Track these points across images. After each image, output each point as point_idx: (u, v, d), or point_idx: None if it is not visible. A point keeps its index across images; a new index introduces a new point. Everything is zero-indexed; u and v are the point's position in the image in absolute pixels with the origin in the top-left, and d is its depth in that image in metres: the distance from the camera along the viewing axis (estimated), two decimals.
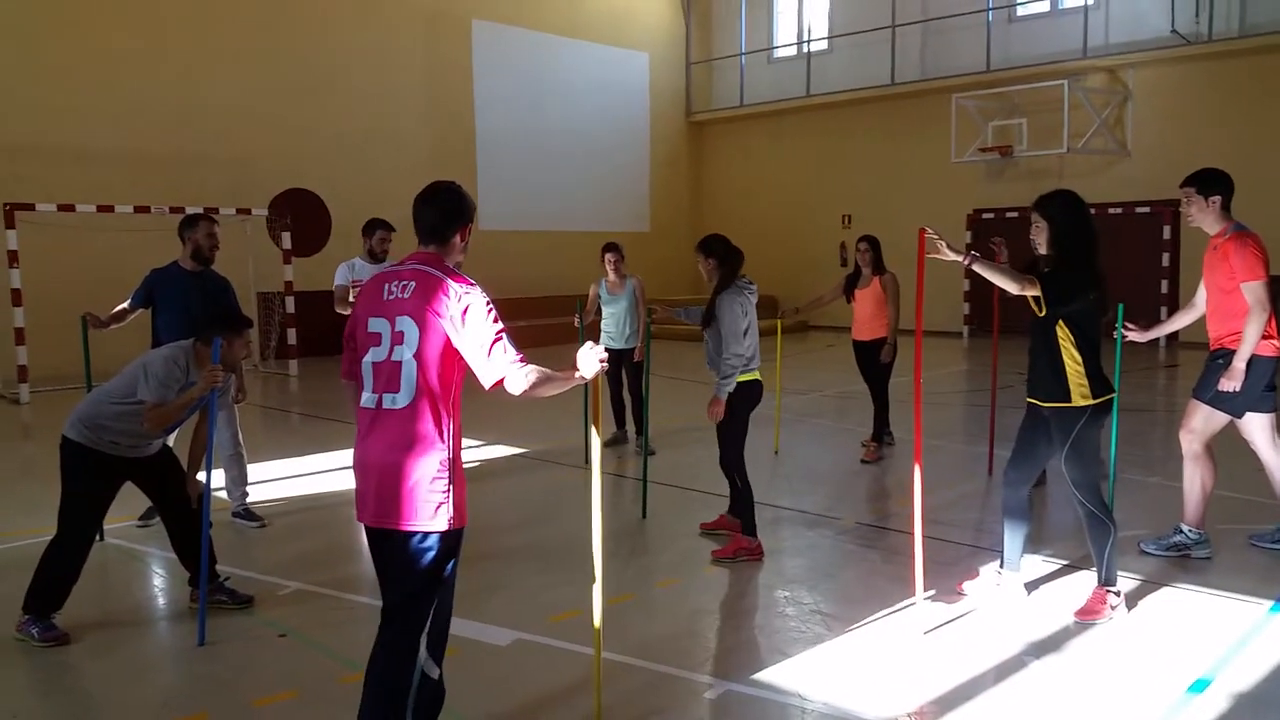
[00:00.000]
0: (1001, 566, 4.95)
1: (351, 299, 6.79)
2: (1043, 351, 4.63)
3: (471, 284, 3.14)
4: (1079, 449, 4.58)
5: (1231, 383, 5.21)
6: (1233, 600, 4.85)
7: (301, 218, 14.82)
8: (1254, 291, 5.14)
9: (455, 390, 3.17)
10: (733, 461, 5.67)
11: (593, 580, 3.57)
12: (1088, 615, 4.60)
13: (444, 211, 3.25)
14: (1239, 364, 5.18)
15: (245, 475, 6.48)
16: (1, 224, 11.85)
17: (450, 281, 3.11)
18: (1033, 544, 5.40)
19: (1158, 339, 6.47)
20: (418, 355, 3.08)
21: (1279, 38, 15.26)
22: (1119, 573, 4.75)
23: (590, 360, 3.17)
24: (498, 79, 19.52)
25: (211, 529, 4.78)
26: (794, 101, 21.50)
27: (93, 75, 14.34)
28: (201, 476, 4.76)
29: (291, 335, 14.76)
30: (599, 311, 8.59)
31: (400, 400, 3.09)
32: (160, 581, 5.52)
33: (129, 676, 4.26)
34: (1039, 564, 5.40)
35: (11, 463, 9.06)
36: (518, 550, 5.89)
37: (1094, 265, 4.55)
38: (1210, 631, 4.48)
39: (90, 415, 4.59)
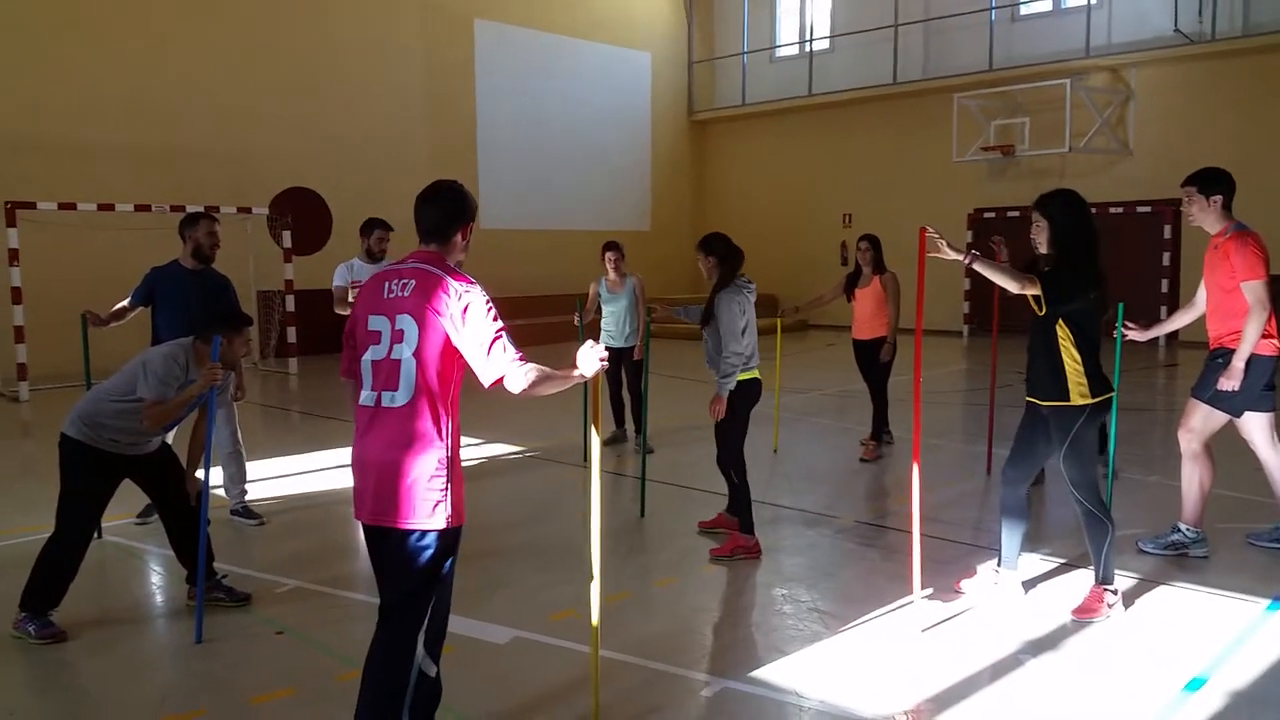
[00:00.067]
0: (999, 565, 4.95)
1: (350, 299, 6.79)
2: (1042, 350, 4.63)
3: (472, 282, 3.14)
4: (1077, 448, 4.58)
5: (1231, 382, 5.21)
6: (1230, 599, 4.85)
7: (302, 216, 14.82)
8: (1254, 291, 5.14)
9: (454, 389, 3.18)
10: (732, 460, 5.67)
11: (591, 578, 3.57)
12: (1085, 614, 4.60)
13: (446, 210, 3.25)
14: (1238, 363, 5.18)
15: (244, 473, 6.49)
16: (2, 222, 11.86)
17: (450, 280, 3.11)
18: (1031, 542, 5.40)
19: (1157, 338, 6.46)
20: (417, 353, 3.08)
21: None
22: (1117, 571, 4.76)
23: (590, 359, 3.17)
24: (499, 78, 19.52)
25: (210, 526, 4.78)
26: (796, 101, 21.50)
27: (93, 73, 14.34)
28: (200, 474, 4.77)
29: (291, 333, 14.77)
30: (599, 310, 8.60)
31: (399, 398, 3.09)
32: (158, 579, 5.52)
33: (126, 674, 4.26)
34: (1037, 562, 5.40)
35: (10, 460, 9.06)
36: (516, 548, 5.89)
37: (1094, 265, 4.55)
38: (1207, 630, 4.48)
39: (89, 413, 4.59)
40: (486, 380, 3.09)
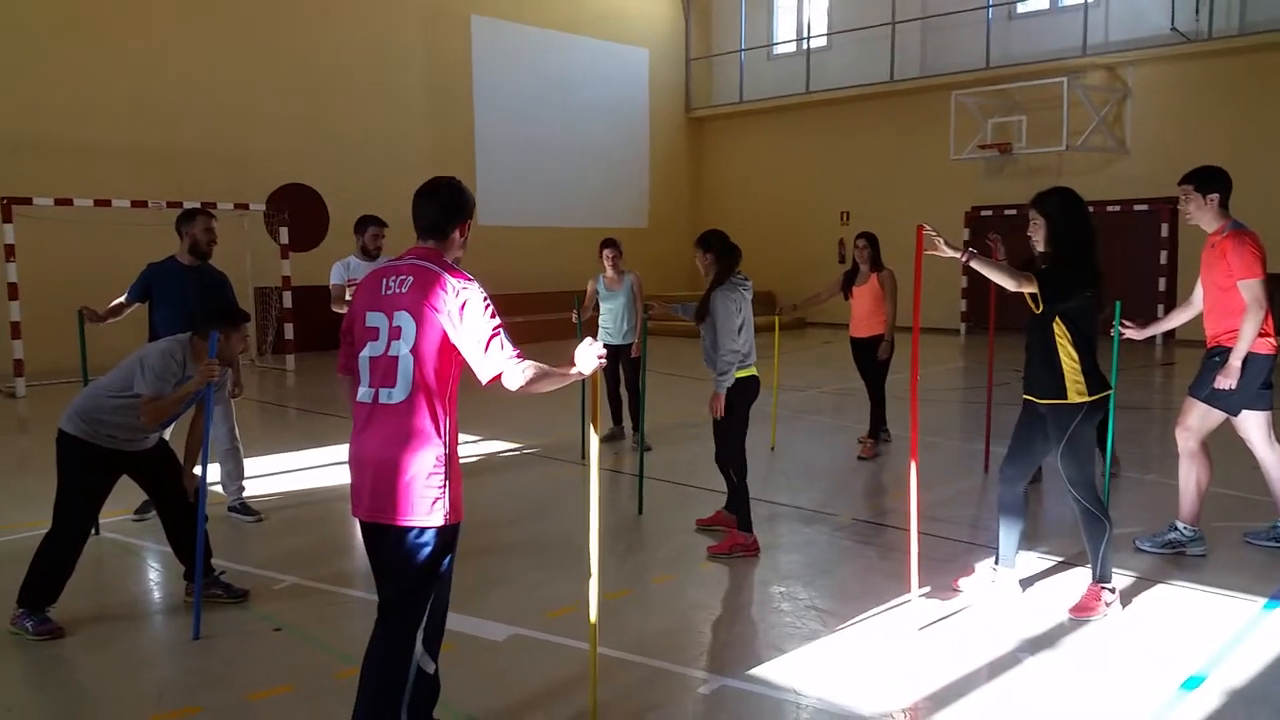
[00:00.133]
0: (997, 563, 4.96)
1: (347, 297, 6.78)
2: (1039, 348, 4.63)
3: (469, 279, 3.13)
4: (1075, 446, 4.58)
5: (1228, 380, 5.21)
6: (1227, 597, 4.86)
7: (299, 213, 14.80)
8: (1251, 289, 5.15)
9: (452, 385, 3.17)
10: (732, 458, 5.67)
11: (589, 576, 3.57)
12: (1082, 612, 4.61)
13: (444, 207, 3.25)
14: (1235, 361, 5.18)
15: (241, 470, 6.48)
16: None
17: (448, 277, 3.11)
18: (1028, 541, 5.40)
19: (1154, 336, 6.47)
20: (415, 350, 3.07)
21: (1278, 36, 15.26)
22: (1114, 569, 4.76)
23: (588, 357, 3.17)
24: (497, 74, 19.49)
25: (207, 523, 4.78)
26: (794, 98, 21.49)
27: (91, 70, 14.31)
28: (198, 470, 4.76)
29: (289, 330, 14.74)
30: (597, 307, 8.59)
31: (396, 395, 3.09)
32: (155, 575, 5.52)
33: (124, 670, 4.25)
34: (1034, 561, 5.41)
35: (7, 456, 9.04)
36: (514, 546, 5.89)
37: (1091, 263, 4.55)
38: (1204, 628, 4.49)
39: (87, 409, 4.58)
40: (484, 377, 3.09)
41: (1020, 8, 18.63)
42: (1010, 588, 4.91)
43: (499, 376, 3.07)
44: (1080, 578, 5.02)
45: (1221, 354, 5.30)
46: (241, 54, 15.82)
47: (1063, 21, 17.75)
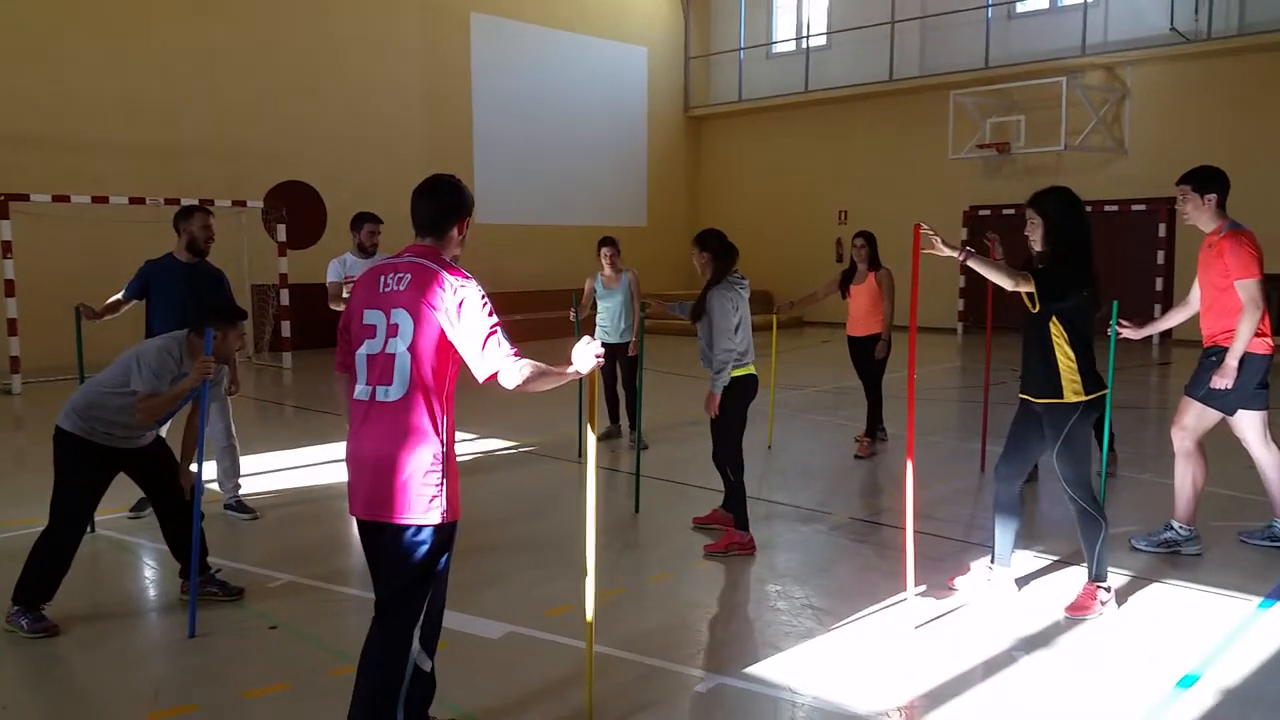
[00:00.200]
0: (993, 562, 4.96)
1: (344, 295, 6.78)
2: (1036, 348, 4.63)
3: (467, 277, 3.13)
4: (1071, 445, 4.59)
5: (1224, 380, 5.22)
6: (1222, 596, 4.87)
7: (297, 210, 14.78)
8: (1248, 289, 5.15)
9: (449, 384, 3.17)
10: (729, 456, 5.68)
11: (585, 574, 3.57)
12: (1078, 611, 4.61)
13: (442, 205, 3.24)
14: (1232, 361, 5.19)
15: (238, 467, 6.47)
16: None
17: (446, 275, 3.10)
18: (1024, 540, 5.41)
19: (1151, 336, 6.47)
20: (412, 348, 3.07)
21: (1277, 36, 15.28)
22: (1110, 568, 4.76)
23: (586, 356, 3.17)
24: (496, 72, 19.48)
25: (203, 521, 4.78)
26: (792, 97, 21.49)
27: (89, 67, 14.28)
28: (194, 468, 4.75)
29: (286, 328, 14.73)
30: (594, 305, 8.59)
31: (394, 393, 3.08)
32: (151, 573, 5.51)
33: (119, 668, 4.25)
34: (1030, 559, 5.41)
35: (4, 454, 9.03)
36: (511, 544, 5.89)
37: (1088, 262, 4.56)
38: (1200, 627, 4.49)
39: (84, 406, 4.58)
40: (481, 375, 3.09)
41: (1019, 7, 18.63)
42: (1006, 586, 4.91)
43: (496, 375, 3.07)
44: (1076, 577, 5.02)
45: (1218, 354, 5.30)
46: (240, 51, 15.79)
47: (1062, 21, 17.75)
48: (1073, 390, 4.54)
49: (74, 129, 14.15)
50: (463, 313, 3.06)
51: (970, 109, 18.06)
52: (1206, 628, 4.49)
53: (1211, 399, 5.36)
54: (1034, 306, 4.56)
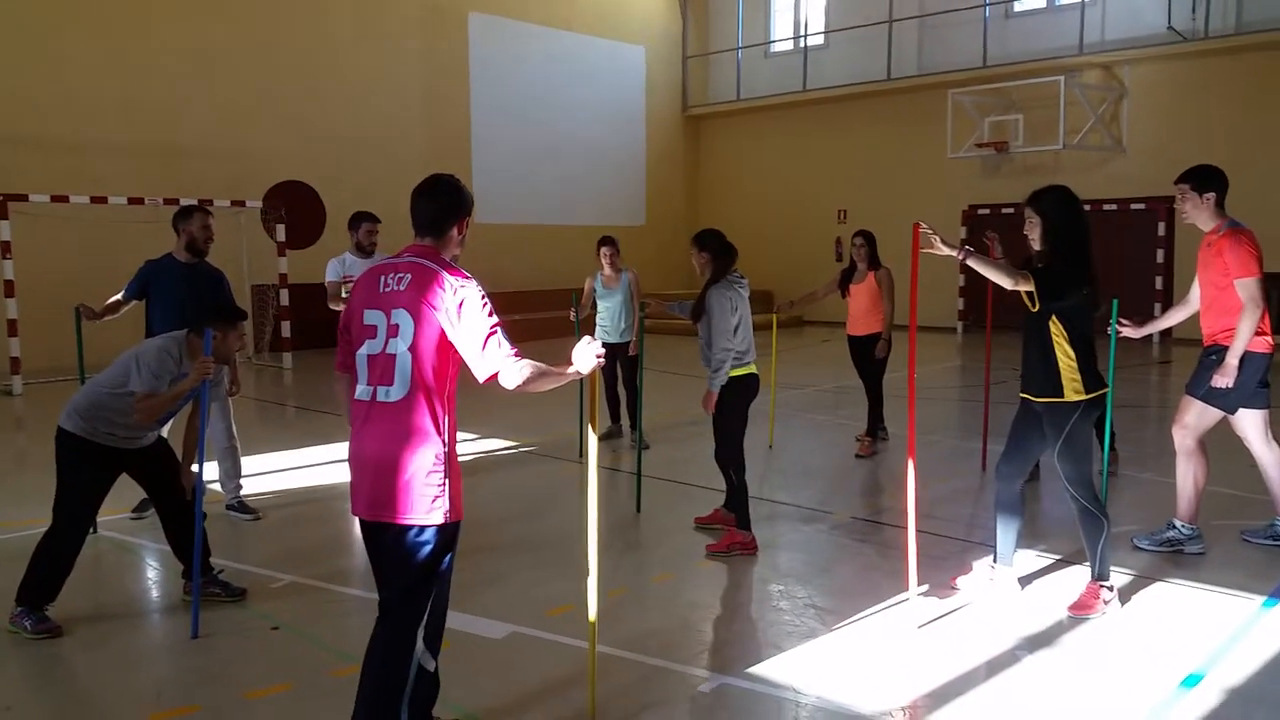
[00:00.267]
0: (995, 561, 4.96)
1: (344, 294, 6.77)
2: (1036, 347, 4.63)
3: (467, 277, 3.13)
4: (1072, 444, 4.58)
5: (1225, 379, 5.22)
6: (1225, 595, 4.87)
7: (296, 210, 14.78)
8: (1248, 288, 5.15)
9: (450, 383, 3.17)
10: (731, 456, 5.67)
11: (587, 574, 3.57)
12: (1081, 610, 4.61)
13: (442, 205, 3.24)
14: (1232, 360, 5.19)
15: (239, 468, 6.47)
16: None
17: (446, 275, 3.10)
18: (1026, 539, 5.41)
19: (1151, 335, 6.48)
20: (413, 348, 3.07)
21: (1275, 35, 15.28)
22: (1112, 568, 4.77)
23: (586, 356, 3.17)
24: (494, 72, 19.47)
25: (205, 521, 4.78)
26: (790, 96, 21.49)
27: (89, 67, 14.26)
28: (195, 469, 4.75)
29: (286, 328, 14.72)
30: (594, 305, 8.58)
31: (395, 393, 3.08)
32: (153, 574, 5.51)
33: (121, 669, 4.25)
34: (1032, 559, 5.41)
35: (5, 454, 9.02)
36: (513, 544, 5.89)
37: (1087, 261, 4.56)
38: (1203, 627, 4.49)
39: (86, 406, 4.58)
40: (481, 376, 3.09)
41: (1017, 6, 18.63)
42: (1008, 586, 4.91)
43: (496, 375, 3.06)
44: (1078, 576, 5.02)
45: (1219, 352, 5.30)
46: (240, 51, 15.78)
47: (1059, 20, 17.76)
48: (1073, 389, 4.54)
49: (73, 129, 14.14)
50: (463, 313, 3.06)
51: (968, 108, 18.06)
52: (1210, 627, 4.49)
53: (1212, 398, 5.36)
54: (1034, 305, 4.56)
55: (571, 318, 8.18)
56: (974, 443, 8.02)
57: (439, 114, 18.59)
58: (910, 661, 4.17)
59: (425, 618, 3.15)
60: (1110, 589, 4.67)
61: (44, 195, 12.27)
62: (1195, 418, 5.48)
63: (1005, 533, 4.89)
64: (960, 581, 5.01)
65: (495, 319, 3.09)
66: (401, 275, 3.13)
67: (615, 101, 21.93)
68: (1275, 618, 4.61)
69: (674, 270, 21.64)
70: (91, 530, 5.21)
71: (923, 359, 11.57)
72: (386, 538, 3.14)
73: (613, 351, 8.40)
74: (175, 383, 4.56)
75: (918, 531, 4.61)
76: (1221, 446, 5.86)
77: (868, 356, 8.24)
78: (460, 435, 3.45)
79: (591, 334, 6.77)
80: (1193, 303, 5.67)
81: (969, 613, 4.70)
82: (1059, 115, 16.40)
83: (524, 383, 3.06)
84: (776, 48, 22.55)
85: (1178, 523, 5.54)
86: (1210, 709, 3.73)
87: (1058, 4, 18.00)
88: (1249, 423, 5.43)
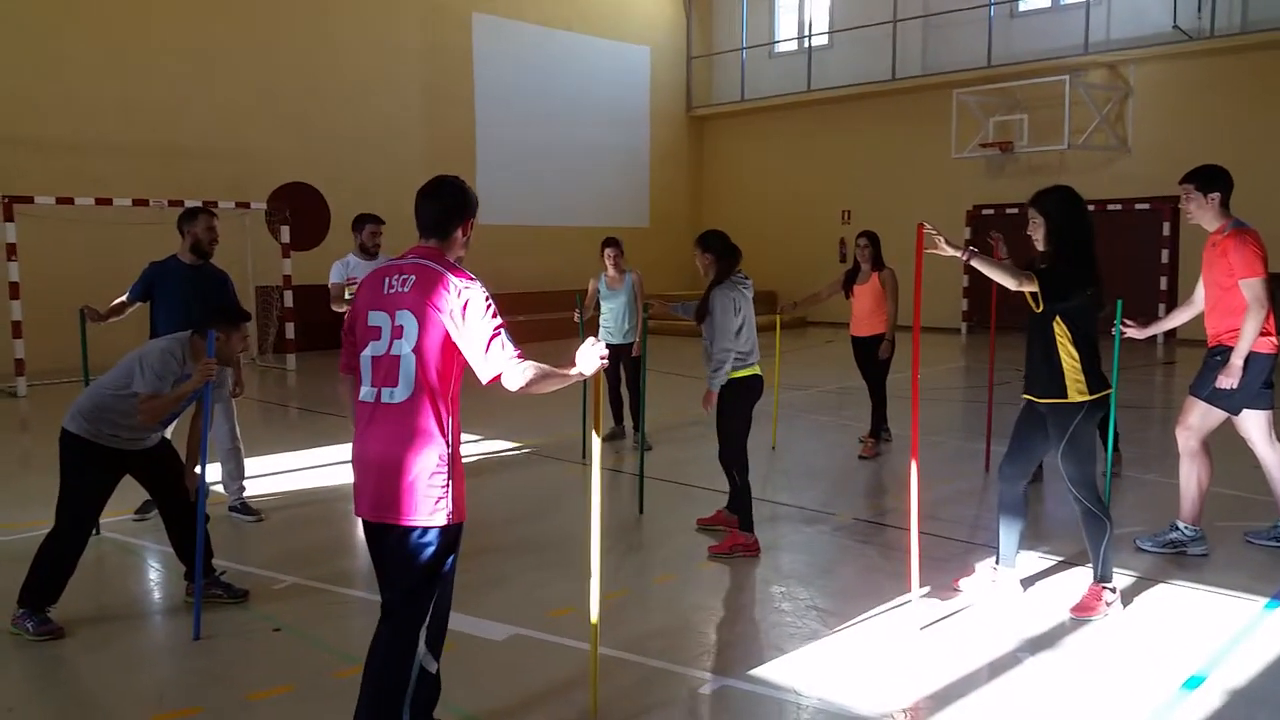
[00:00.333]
0: (997, 563, 4.95)
1: (347, 296, 6.78)
2: (1039, 347, 4.62)
3: (472, 279, 3.13)
4: (1075, 445, 4.58)
5: (1229, 380, 5.21)
6: (1228, 597, 4.86)
7: (300, 212, 14.80)
8: (1252, 288, 5.14)
9: (454, 385, 3.17)
10: (734, 457, 5.67)
11: (590, 575, 3.56)
12: (1083, 612, 4.61)
13: (446, 206, 3.25)
14: (1237, 361, 5.18)
15: (242, 469, 6.48)
16: (0, 216, 11.83)
17: (450, 276, 3.10)
18: (1029, 540, 5.40)
19: (1156, 336, 6.46)
20: (417, 350, 3.07)
21: None
22: (1115, 569, 4.76)
23: (590, 358, 3.17)
24: (498, 72, 19.48)
25: (208, 523, 4.78)
26: (795, 96, 21.47)
27: (92, 68, 14.30)
28: (198, 470, 4.76)
29: (290, 329, 14.75)
30: (598, 306, 8.58)
31: (399, 395, 3.09)
32: (155, 575, 5.52)
33: (124, 670, 4.26)
34: (1035, 560, 5.40)
35: (9, 456, 9.05)
36: (515, 545, 5.89)
37: (1091, 261, 4.55)
38: (1206, 628, 4.48)
39: (89, 408, 4.59)
40: (484, 377, 3.09)
41: (1022, 6, 18.59)
42: (1011, 587, 4.90)
43: (499, 377, 3.07)
44: (1081, 577, 5.01)
45: (1223, 353, 5.29)
46: (242, 52, 15.80)
47: (1064, 19, 17.72)
48: (1077, 390, 4.53)
49: (77, 131, 14.17)
50: (467, 314, 3.06)
51: (973, 108, 18.03)
52: (1212, 628, 4.48)
53: (1216, 399, 5.35)
54: (1037, 306, 4.56)
55: (575, 319, 8.18)
56: (977, 444, 8.00)
57: (442, 114, 18.61)
58: (912, 663, 4.16)
59: (428, 619, 3.15)
60: (1113, 591, 4.66)
61: (49, 197, 12.30)
62: (1199, 419, 5.46)
63: (1008, 534, 4.88)
64: (963, 583, 5.00)
65: (499, 321, 3.09)
66: (406, 277, 3.13)
67: (619, 102, 21.93)
68: (1278, 619, 4.59)
69: (678, 271, 21.63)
70: (94, 532, 5.22)
71: (926, 360, 11.56)
72: (390, 539, 3.15)
73: (616, 353, 8.39)
74: (178, 384, 4.56)
75: (920, 533, 4.61)
76: (1225, 448, 5.85)
77: (871, 357, 8.23)
78: (464, 437, 3.45)
79: (595, 335, 6.77)
80: (1197, 303, 5.65)
81: (971, 614, 4.70)
82: (1064, 115, 16.37)
83: (527, 384, 3.06)
84: (781, 48, 22.53)
85: (1181, 524, 5.53)
86: (1213, 711, 3.72)
87: (1062, 3, 17.97)
88: (1253, 424, 5.42)
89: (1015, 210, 17.06)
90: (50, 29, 13.99)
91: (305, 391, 12.94)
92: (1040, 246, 4.66)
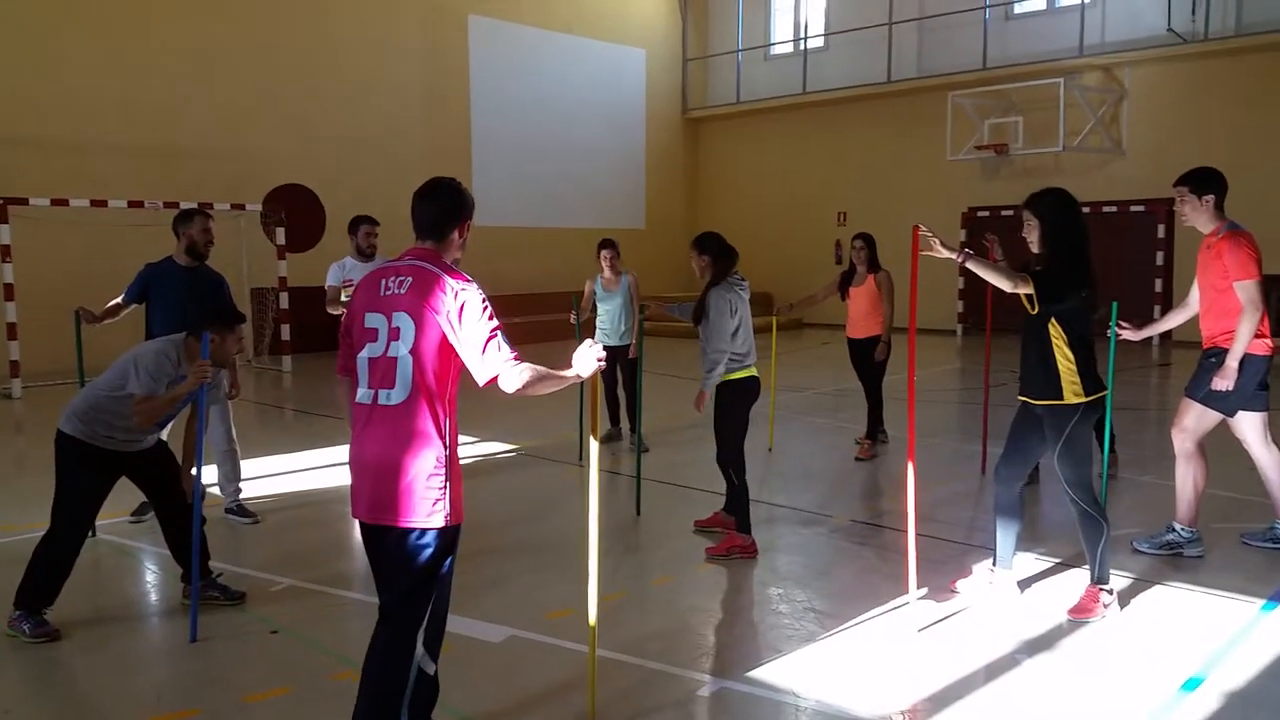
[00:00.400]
0: (994, 564, 4.96)
1: (344, 298, 6.77)
2: (1035, 349, 4.64)
3: (468, 280, 3.13)
4: (1072, 447, 4.58)
5: (1224, 381, 5.22)
6: (1225, 599, 4.87)
7: (296, 213, 14.78)
8: (1247, 290, 5.15)
9: (452, 387, 3.17)
10: (732, 458, 5.67)
11: (587, 577, 3.56)
12: (1080, 613, 4.61)
13: (443, 208, 3.25)
14: (1232, 363, 5.19)
15: (238, 471, 6.47)
16: None
17: (447, 278, 3.10)
18: (1025, 542, 5.41)
19: (1151, 337, 6.48)
20: (414, 351, 3.07)
21: (1275, 37, 15.28)
22: (1112, 571, 4.76)
23: (587, 359, 3.17)
24: (494, 74, 19.47)
25: (204, 525, 4.77)
26: (790, 99, 21.49)
27: (88, 69, 14.26)
28: (194, 472, 4.75)
29: (285, 331, 14.72)
30: (594, 308, 8.58)
31: (396, 396, 3.08)
32: (152, 577, 5.50)
33: (120, 672, 4.25)
34: (1032, 562, 5.41)
35: (4, 458, 9.02)
36: (512, 547, 5.89)
37: (1086, 263, 4.56)
38: (1202, 630, 4.49)
39: (85, 409, 4.58)
40: (481, 379, 3.09)
41: (1017, 8, 18.64)
42: (1008, 589, 4.91)
43: (496, 379, 3.07)
44: (1078, 579, 5.02)
45: (1218, 355, 5.30)
46: (239, 53, 15.77)
47: (1059, 22, 17.76)
48: (1072, 392, 4.54)
49: (73, 132, 14.13)
50: (464, 316, 3.06)
51: (968, 110, 18.06)
52: (1209, 630, 4.49)
53: (1212, 400, 5.36)
54: (1033, 308, 4.57)
55: (572, 320, 8.18)
56: (974, 445, 8.01)
57: (439, 116, 18.59)
58: (910, 665, 4.17)
59: (425, 621, 3.15)
60: (1110, 592, 4.67)
61: (44, 199, 12.27)
62: (1194, 420, 5.48)
63: (1005, 536, 4.89)
64: (960, 585, 5.01)
65: (496, 322, 3.09)
66: (402, 278, 3.13)
67: (615, 104, 21.93)
68: (1275, 621, 4.60)
69: (674, 273, 21.63)
70: (90, 534, 5.21)
71: (922, 362, 11.57)
72: (387, 541, 3.14)
73: (613, 354, 8.39)
74: (173, 386, 4.56)
75: (917, 535, 4.61)
76: (1221, 449, 5.86)
77: (867, 359, 8.24)
78: (461, 438, 3.45)
79: (592, 337, 6.76)
80: (1192, 305, 5.67)
81: (968, 616, 4.70)
82: (1059, 117, 16.41)
83: (524, 386, 3.07)
84: (776, 50, 22.56)
85: (1177, 526, 5.54)
86: (1210, 712, 3.73)
87: (1057, 6, 18.01)
88: (1248, 425, 5.43)
89: (1010, 212, 17.07)
90: (50, 29, 13.96)
91: (301, 393, 12.92)
92: (1035, 249, 4.67)
